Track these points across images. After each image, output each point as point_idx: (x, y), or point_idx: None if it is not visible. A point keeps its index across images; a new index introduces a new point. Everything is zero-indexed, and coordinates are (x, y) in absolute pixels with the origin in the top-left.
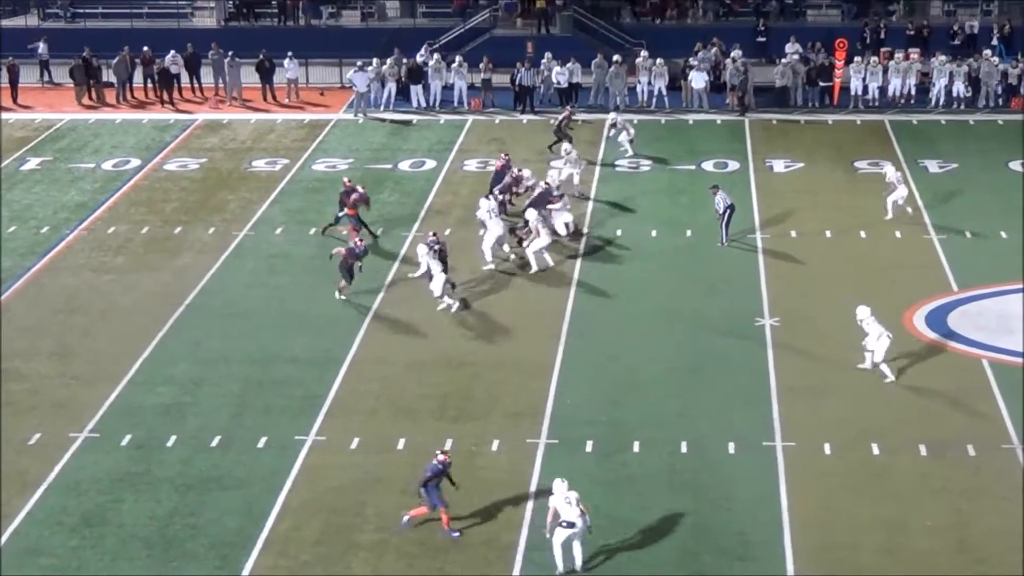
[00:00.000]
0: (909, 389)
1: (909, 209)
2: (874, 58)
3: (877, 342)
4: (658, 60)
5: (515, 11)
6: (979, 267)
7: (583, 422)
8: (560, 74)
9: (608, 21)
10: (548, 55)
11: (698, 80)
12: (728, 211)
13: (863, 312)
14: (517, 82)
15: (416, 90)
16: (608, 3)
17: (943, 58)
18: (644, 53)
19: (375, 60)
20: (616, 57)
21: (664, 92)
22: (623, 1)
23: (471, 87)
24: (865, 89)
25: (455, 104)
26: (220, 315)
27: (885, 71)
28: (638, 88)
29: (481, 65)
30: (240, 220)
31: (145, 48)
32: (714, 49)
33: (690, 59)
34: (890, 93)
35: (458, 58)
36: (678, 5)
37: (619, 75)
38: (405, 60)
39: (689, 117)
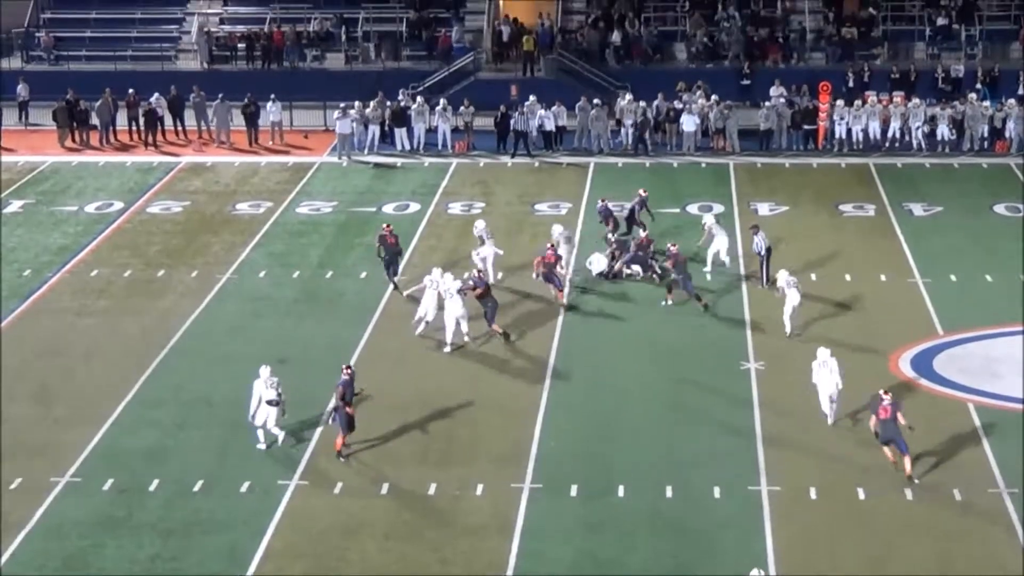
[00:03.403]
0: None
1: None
2: (858, 101)
3: (822, 380)
4: (640, 103)
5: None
6: (964, 310)
7: (568, 465)
8: (545, 117)
9: (592, 64)
10: (532, 98)
11: (689, 123)
12: (767, 253)
13: (823, 354)
14: (512, 127)
15: (400, 133)
16: (592, 47)
17: (916, 101)
18: (628, 96)
19: (357, 103)
20: (596, 100)
21: (647, 135)
22: (607, 44)
23: (454, 130)
24: (849, 132)
25: (439, 147)
26: (203, 358)
27: (869, 114)
28: (622, 131)
29: (462, 108)
30: (223, 263)
31: (131, 90)
32: (699, 92)
33: (675, 102)
34: (872, 136)
35: (442, 101)
36: (662, 49)
37: (600, 118)
38: (389, 103)
39: (673, 160)
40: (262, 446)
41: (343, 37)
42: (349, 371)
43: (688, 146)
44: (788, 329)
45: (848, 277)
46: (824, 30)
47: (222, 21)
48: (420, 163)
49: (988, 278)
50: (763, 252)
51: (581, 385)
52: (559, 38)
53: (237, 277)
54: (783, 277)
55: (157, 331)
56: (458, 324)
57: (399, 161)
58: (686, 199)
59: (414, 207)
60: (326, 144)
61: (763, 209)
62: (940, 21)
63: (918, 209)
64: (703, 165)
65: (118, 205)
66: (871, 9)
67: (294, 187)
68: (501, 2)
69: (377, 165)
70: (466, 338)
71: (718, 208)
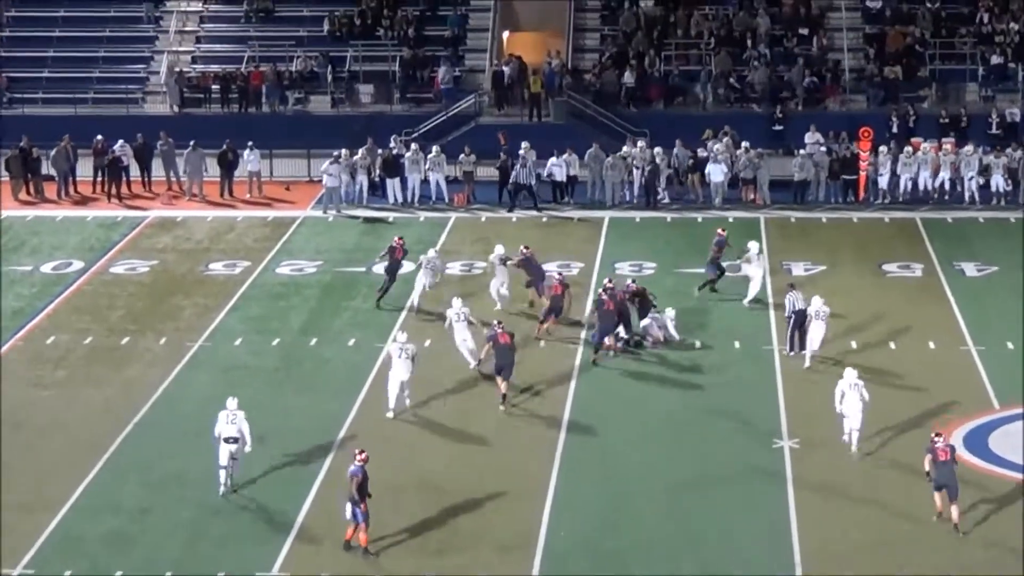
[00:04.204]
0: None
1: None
2: (908, 147)
3: (851, 410)
4: (655, 150)
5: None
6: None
7: (579, 557)
8: (556, 166)
9: (607, 107)
10: (525, 145)
11: (716, 173)
12: (794, 316)
13: (851, 375)
14: (512, 179)
15: (392, 184)
16: (608, 88)
17: (969, 148)
18: (640, 143)
19: (343, 151)
20: (623, 148)
21: (661, 186)
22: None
23: (453, 180)
24: (895, 182)
25: (432, 199)
26: (172, 434)
27: (917, 163)
28: (637, 183)
29: (462, 156)
30: (195, 329)
31: (98, 136)
32: (726, 139)
33: (699, 150)
34: (921, 187)
35: (434, 148)
36: (684, 91)
37: (616, 167)
38: (380, 151)
39: (697, 214)
40: (222, 488)
41: (329, 77)
42: (363, 457)
43: (716, 198)
44: (807, 363)
45: (892, 345)
46: (865, 69)
47: (194, 60)
48: (415, 217)
49: None
50: (790, 315)
51: (595, 462)
52: (569, 79)
53: (210, 344)
54: (816, 304)
55: (121, 404)
56: (470, 351)
57: (391, 215)
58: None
59: (408, 267)
60: (310, 196)
61: (797, 269)
62: (994, 59)
63: (971, 269)
64: (730, 219)
65: (78, 264)
66: (917, 46)
67: (274, 244)
68: (504, 39)
69: (367, 220)
70: (472, 361)
71: (746, 268)
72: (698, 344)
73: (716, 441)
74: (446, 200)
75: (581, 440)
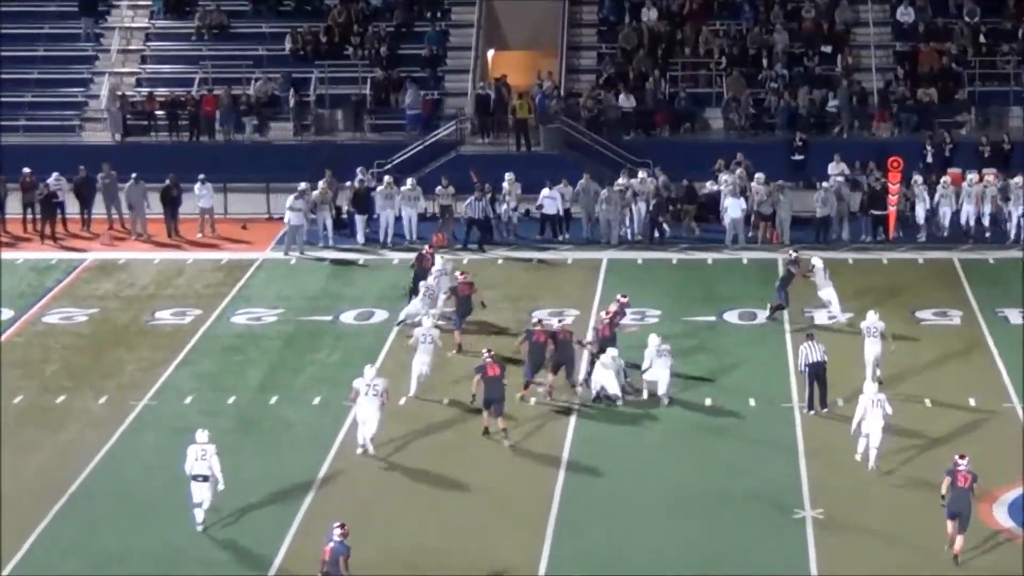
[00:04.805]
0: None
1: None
2: (946, 178)
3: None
4: (661, 179)
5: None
6: None
7: None
8: (548, 198)
9: (606, 135)
10: (510, 177)
11: (734, 208)
12: (807, 369)
13: (871, 390)
14: (479, 213)
15: (361, 221)
16: (609, 114)
17: (1019, 179)
18: (641, 174)
19: (300, 185)
20: (620, 181)
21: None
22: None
23: (429, 217)
24: (932, 217)
25: (408, 238)
26: (115, 504)
27: (956, 196)
28: (635, 218)
29: (439, 188)
30: (140, 386)
31: (26, 170)
32: (740, 169)
33: (708, 183)
34: (962, 223)
35: (409, 181)
36: (693, 117)
37: (612, 200)
38: (349, 183)
39: (708, 256)
40: (200, 527)
41: (291, 102)
42: (343, 532)
43: (734, 236)
44: (872, 377)
45: (928, 402)
46: (895, 91)
47: (139, 83)
48: (387, 260)
49: None
50: (804, 369)
51: (591, 538)
52: (562, 103)
53: (157, 404)
54: (870, 319)
55: (56, 471)
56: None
57: (361, 257)
58: (723, 304)
59: (380, 316)
60: (269, 236)
61: (820, 316)
62: None
63: (1015, 316)
64: (744, 261)
65: (7, 314)
66: (955, 65)
67: (229, 290)
68: (490, 59)
69: (333, 262)
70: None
71: (764, 315)
72: (708, 402)
73: (731, 513)
74: (414, 239)
75: (574, 519)
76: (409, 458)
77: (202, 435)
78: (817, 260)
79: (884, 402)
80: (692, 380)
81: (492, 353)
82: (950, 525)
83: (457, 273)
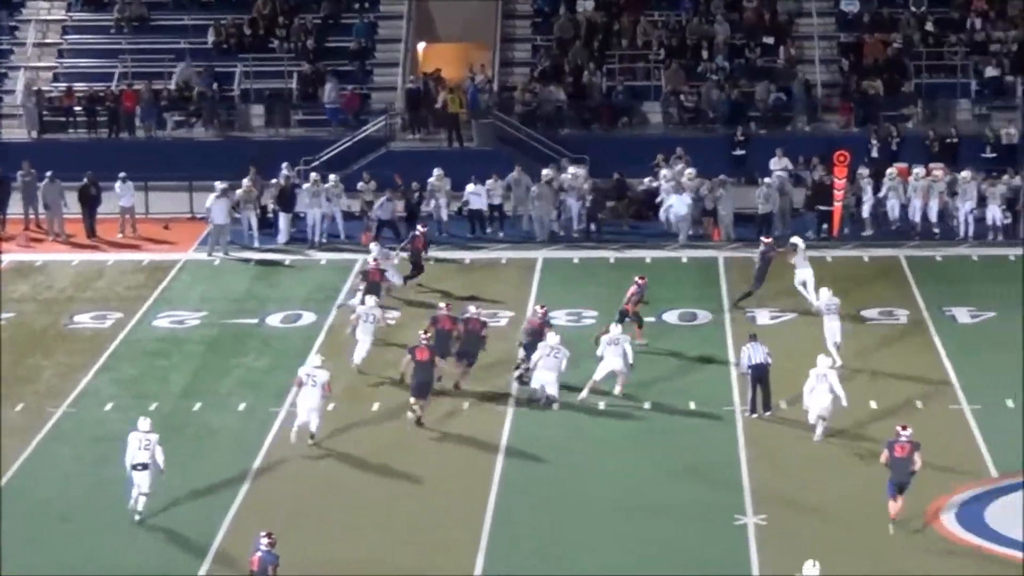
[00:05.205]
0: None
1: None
2: (892, 170)
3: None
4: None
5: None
6: None
7: None
8: (474, 194)
9: (541, 130)
10: (438, 172)
11: (680, 205)
12: (750, 371)
13: (823, 364)
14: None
15: (285, 220)
16: (546, 107)
17: (966, 174)
18: (572, 169)
19: (220, 184)
20: (546, 171)
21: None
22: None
23: (354, 216)
24: (879, 212)
25: (341, 237)
26: (30, 517)
27: (904, 189)
28: (573, 213)
29: (360, 184)
30: (58, 393)
31: None
32: (680, 165)
33: (646, 179)
34: (910, 218)
35: (332, 177)
36: (630, 111)
37: (543, 196)
38: (274, 180)
39: (647, 254)
40: (138, 517)
41: (215, 97)
42: (270, 540)
43: (681, 235)
44: (837, 360)
45: (874, 404)
46: (840, 84)
47: (56, 77)
48: (314, 260)
49: None
50: (747, 370)
51: (529, 548)
52: (495, 97)
53: (76, 411)
54: (824, 297)
55: None
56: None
57: (287, 258)
58: (661, 305)
59: (308, 317)
60: (193, 236)
61: (762, 316)
62: (990, 72)
63: (963, 315)
64: (684, 260)
65: None
66: (901, 57)
67: (150, 293)
68: (420, 52)
69: (259, 263)
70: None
71: (705, 315)
72: (648, 405)
73: (669, 521)
74: (342, 237)
75: (508, 528)
76: (340, 458)
77: (144, 423)
78: (798, 240)
79: (832, 379)
80: (631, 382)
81: (428, 336)
82: (892, 505)
83: (442, 305)
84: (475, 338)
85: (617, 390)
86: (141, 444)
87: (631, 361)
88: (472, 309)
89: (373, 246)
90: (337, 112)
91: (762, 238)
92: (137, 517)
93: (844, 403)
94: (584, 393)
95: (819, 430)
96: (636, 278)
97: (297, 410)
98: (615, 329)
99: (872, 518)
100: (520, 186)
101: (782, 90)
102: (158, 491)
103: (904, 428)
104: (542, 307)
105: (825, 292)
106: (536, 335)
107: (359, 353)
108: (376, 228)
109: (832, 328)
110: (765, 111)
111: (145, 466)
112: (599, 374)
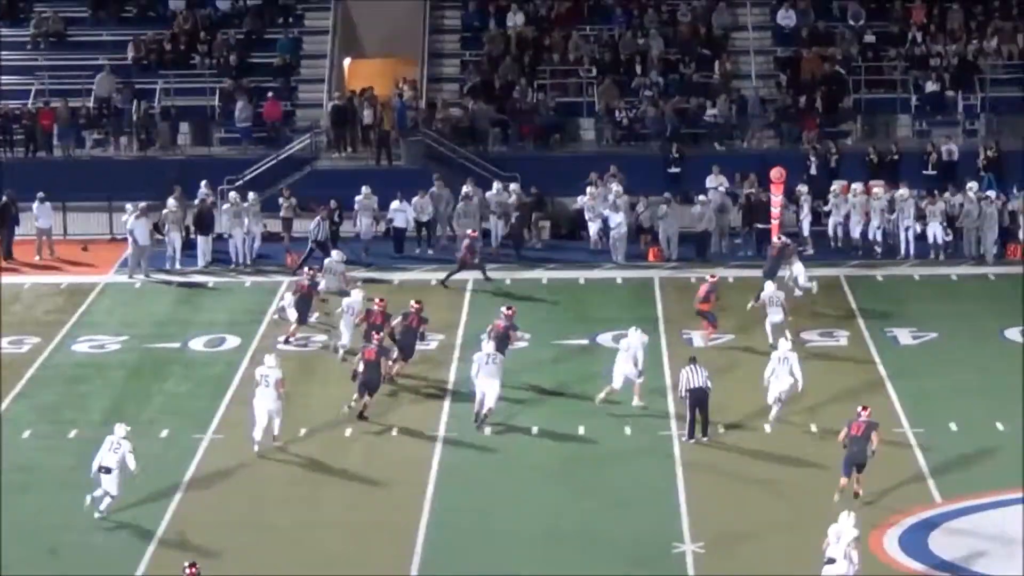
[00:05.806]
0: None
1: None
2: (835, 187)
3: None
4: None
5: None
6: (969, 470)
7: None
8: (399, 211)
9: (471, 148)
10: (365, 190)
11: (617, 224)
12: (689, 395)
13: (783, 347)
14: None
15: (204, 242)
16: (479, 124)
17: (904, 191)
18: (497, 185)
19: (136, 204)
20: (466, 188)
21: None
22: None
23: (272, 236)
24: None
25: (253, 257)
26: None
27: (847, 207)
28: (492, 231)
29: (281, 199)
30: None
31: None
32: (614, 183)
33: (579, 197)
34: (852, 236)
35: (251, 195)
36: (562, 128)
37: (468, 213)
38: (197, 200)
39: (579, 275)
40: (99, 515)
41: (135, 115)
42: (193, 571)
43: (619, 255)
44: (772, 340)
45: (813, 427)
46: (776, 100)
47: None
48: (239, 282)
49: (999, 426)
50: (685, 395)
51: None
52: (424, 113)
53: None
54: (768, 289)
55: None
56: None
57: (211, 280)
58: (597, 327)
59: (232, 341)
60: (113, 258)
61: (699, 339)
62: (930, 87)
63: (905, 336)
64: (619, 280)
65: None
66: (839, 72)
67: (69, 317)
68: (346, 67)
69: (181, 285)
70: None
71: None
72: (582, 430)
73: (604, 550)
74: (253, 256)
75: (439, 554)
76: (266, 480)
77: (120, 429)
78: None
79: (792, 362)
80: (564, 407)
81: (380, 338)
82: (844, 481)
83: (376, 299)
84: (411, 332)
85: (635, 402)
86: (112, 447)
87: (640, 367)
88: (413, 304)
89: (335, 253)
90: (250, 131)
91: (779, 237)
92: (98, 515)
93: (800, 387)
94: (602, 395)
95: (774, 411)
96: (708, 276)
97: (255, 414)
98: (633, 333)
99: (812, 544)
100: (441, 200)
101: (718, 106)
102: (73, 526)
103: (864, 409)
104: (508, 308)
105: (770, 285)
106: (502, 339)
107: (345, 338)
108: (309, 250)
109: (775, 318)
110: (701, 127)
111: (109, 470)
112: (616, 381)
